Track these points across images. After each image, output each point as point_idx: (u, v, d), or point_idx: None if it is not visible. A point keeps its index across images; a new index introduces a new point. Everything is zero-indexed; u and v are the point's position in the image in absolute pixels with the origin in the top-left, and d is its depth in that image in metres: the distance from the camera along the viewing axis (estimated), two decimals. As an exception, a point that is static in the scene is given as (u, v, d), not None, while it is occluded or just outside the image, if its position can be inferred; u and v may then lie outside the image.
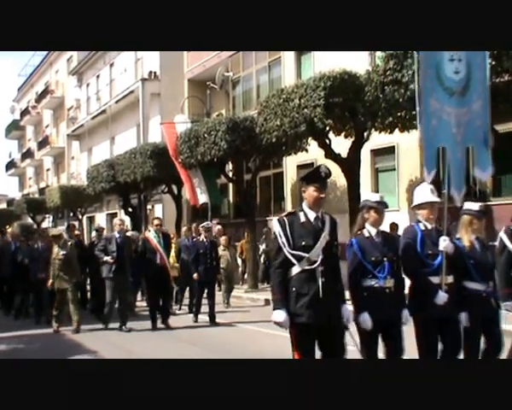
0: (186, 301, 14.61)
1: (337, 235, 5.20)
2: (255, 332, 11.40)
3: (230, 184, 23.34)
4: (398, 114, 12.48)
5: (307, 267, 4.93)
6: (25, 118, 53.44)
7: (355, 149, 14.78)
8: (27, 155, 52.82)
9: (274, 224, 5.13)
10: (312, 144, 16.59)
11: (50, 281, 12.11)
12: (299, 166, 20.41)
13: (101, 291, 13.04)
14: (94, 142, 38.24)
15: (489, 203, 14.18)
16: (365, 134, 14.72)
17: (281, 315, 4.86)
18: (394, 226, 13.63)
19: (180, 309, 14.58)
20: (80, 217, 35.77)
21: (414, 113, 12.13)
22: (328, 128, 14.09)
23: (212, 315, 12.39)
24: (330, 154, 15.06)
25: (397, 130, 13.61)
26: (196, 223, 16.50)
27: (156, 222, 12.44)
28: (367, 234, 5.70)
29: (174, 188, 23.89)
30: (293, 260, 4.95)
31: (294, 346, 4.95)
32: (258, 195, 22.56)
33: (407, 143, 15.85)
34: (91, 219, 37.82)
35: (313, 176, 5.15)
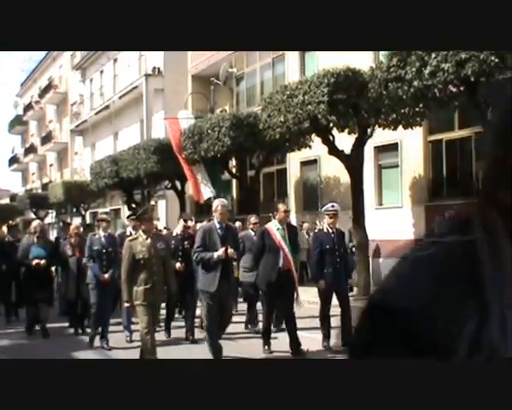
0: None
1: None
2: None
3: (234, 181, 23.37)
4: (402, 110, 12.50)
5: None
6: (28, 113, 53.49)
7: (358, 146, 14.81)
8: (30, 150, 52.88)
9: None
10: (316, 141, 16.63)
11: (127, 302, 8.09)
12: (303, 163, 20.46)
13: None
14: (97, 137, 38.28)
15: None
16: (369, 131, 14.75)
17: None
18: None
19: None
20: (83, 213, 35.84)
21: (417, 110, 12.24)
22: (331, 125, 14.11)
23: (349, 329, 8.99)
24: (334, 150, 15.10)
25: (400, 127, 13.65)
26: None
27: (283, 208, 8.95)
28: None
29: (178, 184, 23.93)
30: None
31: None
32: (261, 191, 22.59)
33: (410, 140, 15.89)
34: (94, 215, 37.89)
35: None
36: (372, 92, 12.69)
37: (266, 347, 9.00)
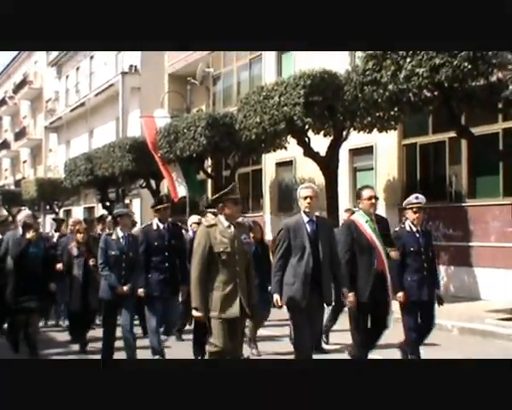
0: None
1: None
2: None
3: (209, 181, 23.33)
4: (377, 114, 12.59)
5: None
6: (1, 108, 52.81)
7: (333, 148, 14.89)
8: (3, 145, 52.22)
9: None
10: (291, 142, 16.66)
11: (196, 310, 5.86)
12: (278, 164, 20.49)
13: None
14: (72, 134, 37.96)
15: (464, 204, 14.37)
16: (344, 133, 14.83)
17: None
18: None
19: None
20: (57, 210, 35.52)
21: (392, 113, 12.34)
22: (307, 126, 14.16)
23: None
24: (309, 152, 15.16)
25: (375, 130, 13.73)
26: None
27: (366, 194, 6.89)
28: None
29: (152, 183, 23.81)
30: None
31: None
32: (236, 191, 22.56)
33: (385, 143, 16.00)
34: (68, 213, 37.56)
35: None
36: (348, 95, 12.76)
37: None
